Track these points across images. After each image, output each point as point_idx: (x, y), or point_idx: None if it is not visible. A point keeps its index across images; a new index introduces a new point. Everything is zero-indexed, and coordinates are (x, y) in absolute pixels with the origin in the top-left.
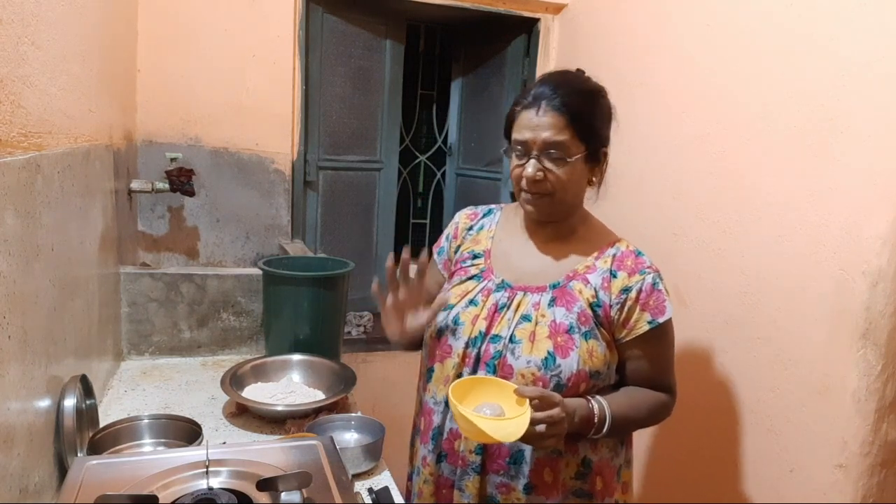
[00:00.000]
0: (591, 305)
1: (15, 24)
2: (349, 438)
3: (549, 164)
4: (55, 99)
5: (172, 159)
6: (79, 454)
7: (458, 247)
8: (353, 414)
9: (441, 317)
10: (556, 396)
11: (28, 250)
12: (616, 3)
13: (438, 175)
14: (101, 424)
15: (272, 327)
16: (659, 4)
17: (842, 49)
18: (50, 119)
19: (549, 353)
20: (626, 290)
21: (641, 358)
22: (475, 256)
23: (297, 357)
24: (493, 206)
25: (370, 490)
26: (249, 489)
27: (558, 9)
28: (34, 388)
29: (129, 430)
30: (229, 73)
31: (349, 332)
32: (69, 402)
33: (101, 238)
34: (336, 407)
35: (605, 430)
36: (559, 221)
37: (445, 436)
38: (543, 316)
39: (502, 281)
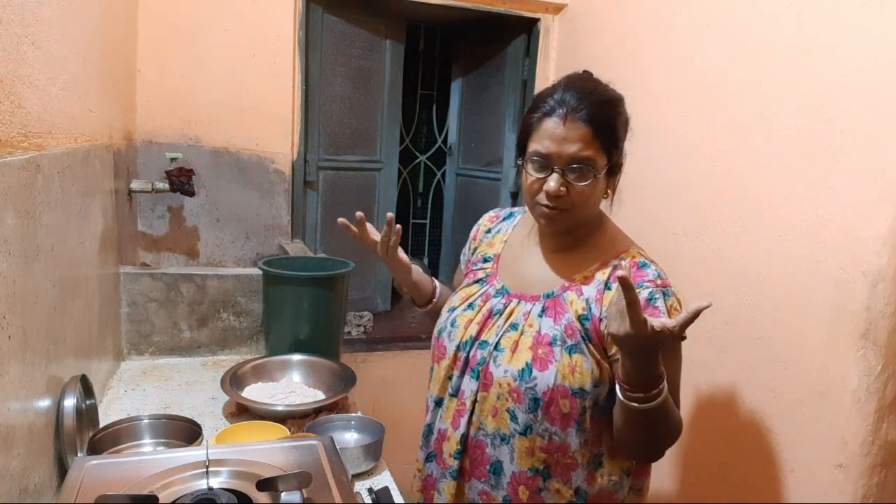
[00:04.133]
0: (579, 318)
1: (15, 24)
2: (349, 438)
3: (572, 179)
4: (55, 99)
5: (172, 159)
6: (79, 454)
7: (475, 249)
8: (353, 414)
9: (443, 317)
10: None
11: (28, 250)
12: (616, 3)
13: (438, 175)
14: (101, 424)
15: (272, 327)
16: (659, 5)
17: (842, 49)
18: (50, 119)
19: (527, 364)
20: None
21: None
22: (485, 260)
23: (297, 357)
24: (515, 209)
25: (370, 490)
26: (249, 489)
27: (558, 9)
28: (34, 388)
29: (129, 430)
30: (229, 73)
31: (349, 332)
32: (69, 402)
33: (101, 238)
34: (336, 407)
35: (661, 397)
36: (570, 231)
37: (435, 435)
38: (531, 326)
39: (502, 287)
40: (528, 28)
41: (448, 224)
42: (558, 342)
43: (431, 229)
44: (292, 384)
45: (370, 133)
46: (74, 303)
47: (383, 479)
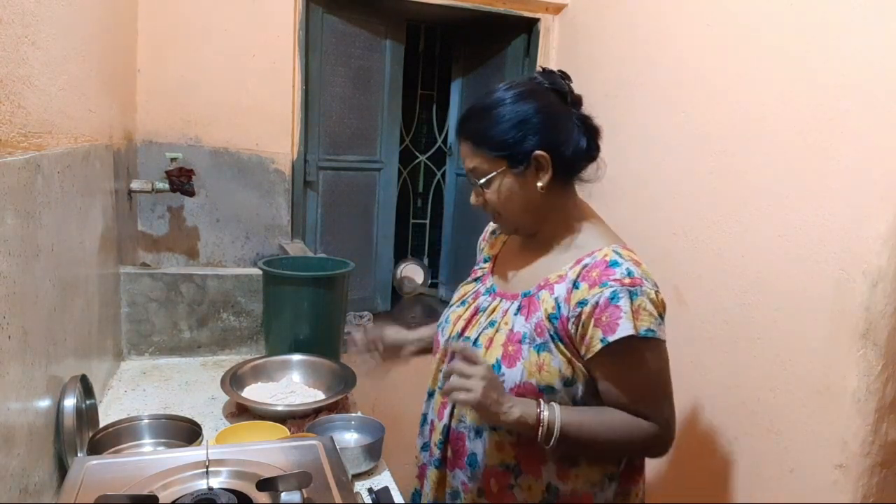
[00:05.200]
0: (549, 317)
1: (15, 24)
2: (349, 438)
3: (484, 189)
4: (55, 99)
5: (172, 159)
6: (79, 454)
7: (482, 248)
8: (353, 414)
9: (444, 313)
10: (482, 359)
11: (28, 250)
12: (616, 3)
13: (438, 175)
14: (101, 424)
15: (272, 327)
16: (659, 4)
17: (842, 49)
18: (50, 119)
19: (497, 360)
20: (582, 303)
21: (605, 380)
22: (485, 260)
23: (297, 357)
24: None
25: (370, 490)
26: (249, 489)
27: (558, 9)
28: (34, 388)
29: (129, 430)
30: (229, 73)
31: (349, 333)
32: (69, 402)
33: (101, 238)
34: (336, 407)
35: (553, 440)
36: (540, 231)
37: (428, 425)
38: (506, 324)
39: (491, 286)
40: (528, 28)
41: (448, 224)
42: (527, 340)
43: (431, 229)
44: (292, 384)
45: (370, 133)
46: (74, 303)
47: (383, 479)
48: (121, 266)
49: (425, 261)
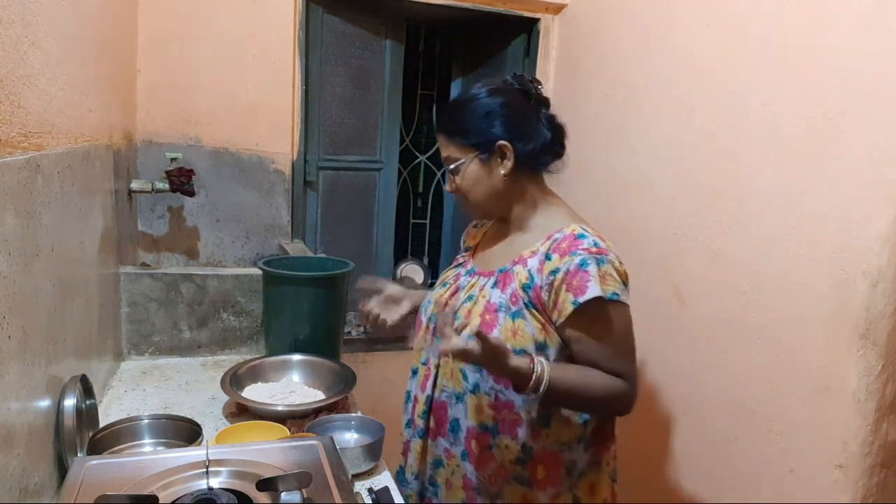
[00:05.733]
0: (523, 287)
1: (15, 24)
2: (349, 438)
3: (454, 176)
4: (55, 99)
5: (172, 159)
6: (79, 454)
7: (464, 241)
8: (353, 414)
9: (427, 296)
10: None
11: (28, 250)
12: (616, 3)
13: (438, 175)
14: (101, 424)
15: (272, 327)
16: (659, 4)
17: (842, 49)
18: (50, 119)
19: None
20: (555, 271)
21: (579, 341)
22: (466, 249)
23: (297, 357)
24: None
25: (370, 490)
26: (249, 489)
27: (558, 9)
28: (34, 388)
29: (129, 430)
30: (229, 73)
31: (349, 332)
32: (69, 402)
33: (101, 238)
34: (336, 407)
35: (541, 390)
36: (508, 215)
37: (412, 402)
38: (483, 297)
39: (471, 268)
40: (528, 28)
41: (448, 224)
42: (503, 309)
43: (431, 229)
44: (292, 384)
45: (370, 133)
46: (74, 303)
47: (383, 479)
48: (121, 266)
49: (425, 261)
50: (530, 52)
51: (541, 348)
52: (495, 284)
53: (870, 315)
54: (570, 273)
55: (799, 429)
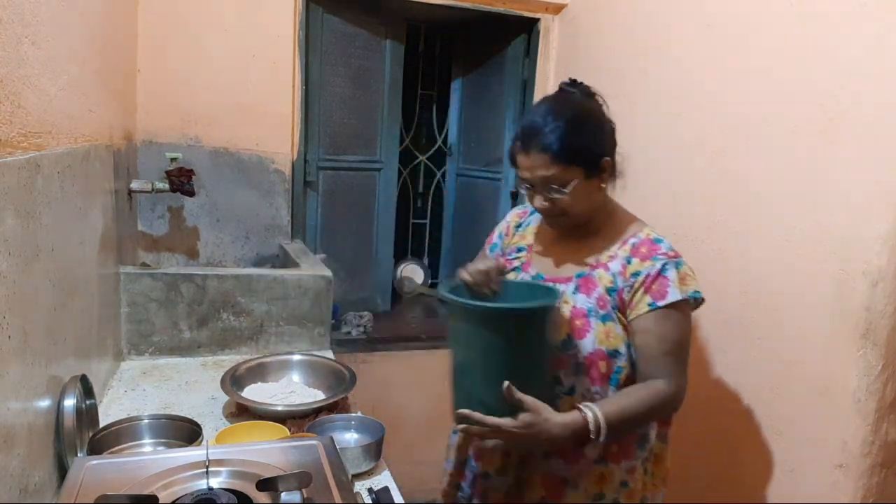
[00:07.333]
0: (608, 290)
1: (15, 24)
2: (349, 438)
3: (551, 194)
4: (55, 99)
5: (172, 159)
6: (79, 454)
7: (510, 242)
8: (353, 414)
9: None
10: (539, 408)
11: (28, 250)
12: (616, 4)
13: (438, 175)
14: (101, 424)
15: (462, 384)
16: (659, 5)
17: (843, 49)
18: (50, 119)
19: (567, 335)
20: (636, 274)
21: (645, 335)
22: (519, 250)
23: (297, 357)
24: None
25: (370, 490)
26: (249, 489)
27: (558, 9)
28: (34, 388)
29: (129, 430)
30: (229, 73)
31: (349, 332)
32: (69, 402)
33: (101, 238)
34: (336, 407)
35: (602, 433)
36: (579, 225)
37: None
38: (567, 303)
39: (537, 273)
40: (528, 28)
41: (448, 224)
42: (593, 313)
43: (431, 229)
44: (292, 384)
45: (370, 133)
46: (74, 303)
47: (383, 479)
48: (121, 266)
49: (425, 261)
50: (530, 52)
51: (628, 346)
52: (577, 290)
53: (870, 315)
54: (651, 277)
55: (799, 429)
